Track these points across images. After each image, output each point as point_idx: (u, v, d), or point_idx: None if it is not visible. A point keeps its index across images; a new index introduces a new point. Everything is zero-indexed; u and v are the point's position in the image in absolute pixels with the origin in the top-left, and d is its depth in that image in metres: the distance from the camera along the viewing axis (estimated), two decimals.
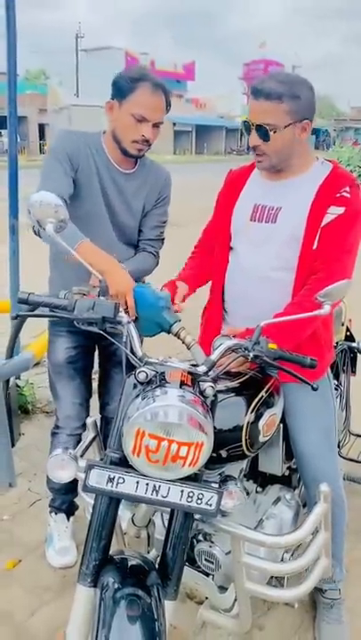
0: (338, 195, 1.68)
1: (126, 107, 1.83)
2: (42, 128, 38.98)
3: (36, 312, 1.47)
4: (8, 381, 2.69)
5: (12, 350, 2.69)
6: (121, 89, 1.83)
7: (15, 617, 1.97)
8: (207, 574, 1.57)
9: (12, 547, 2.23)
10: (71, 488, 2.20)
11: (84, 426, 2.12)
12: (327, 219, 1.67)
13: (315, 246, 1.68)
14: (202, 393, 1.25)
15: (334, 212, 1.67)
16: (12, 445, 2.70)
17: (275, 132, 1.65)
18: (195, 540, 1.55)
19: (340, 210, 1.67)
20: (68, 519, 2.30)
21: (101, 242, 1.79)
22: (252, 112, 1.68)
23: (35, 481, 2.66)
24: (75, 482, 2.12)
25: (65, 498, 2.27)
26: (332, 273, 1.62)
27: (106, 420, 2.21)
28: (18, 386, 3.13)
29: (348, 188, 1.68)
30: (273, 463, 1.80)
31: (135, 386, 1.27)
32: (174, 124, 44.83)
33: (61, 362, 2.11)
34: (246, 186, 1.89)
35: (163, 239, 2.16)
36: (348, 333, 2.37)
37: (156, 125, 1.87)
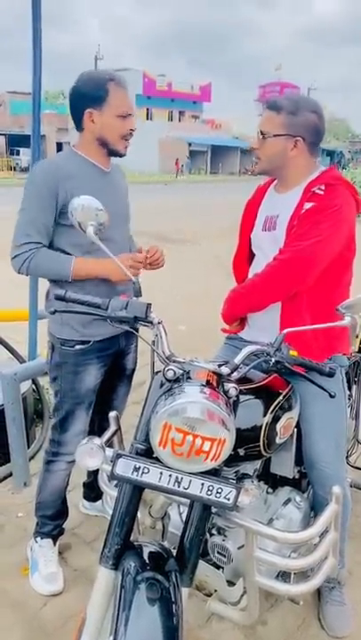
0: (310, 192, 1.79)
1: (109, 110, 1.85)
2: (60, 147, 39.45)
3: (72, 309, 1.48)
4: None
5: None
6: (94, 97, 1.84)
7: (29, 607, 2.02)
8: (218, 567, 1.63)
9: (27, 542, 2.26)
10: (62, 511, 2.20)
11: None
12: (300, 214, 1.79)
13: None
14: (225, 393, 1.31)
15: (305, 207, 1.79)
16: (27, 447, 2.74)
17: (266, 138, 1.82)
18: (208, 534, 1.60)
19: (309, 205, 1.78)
20: (55, 544, 2.19)
21: (121, 241, 1.95)
22: (261, 120, 1.86)
23: None
24: (65, 506, 2.22)
25: (56, 523, 2.19)
26: (295, 255, 1.75)
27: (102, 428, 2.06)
28: (34, 390, 3.17)
29: (322, 186, 1.78)
30: (285, 465, 1.86)
31: (162, 384, 1.33)
32: (190, 144, 44.26)
33: (90, 390, 2.05)
34: (264, 199, 2.02)
35: None
36: None
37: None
